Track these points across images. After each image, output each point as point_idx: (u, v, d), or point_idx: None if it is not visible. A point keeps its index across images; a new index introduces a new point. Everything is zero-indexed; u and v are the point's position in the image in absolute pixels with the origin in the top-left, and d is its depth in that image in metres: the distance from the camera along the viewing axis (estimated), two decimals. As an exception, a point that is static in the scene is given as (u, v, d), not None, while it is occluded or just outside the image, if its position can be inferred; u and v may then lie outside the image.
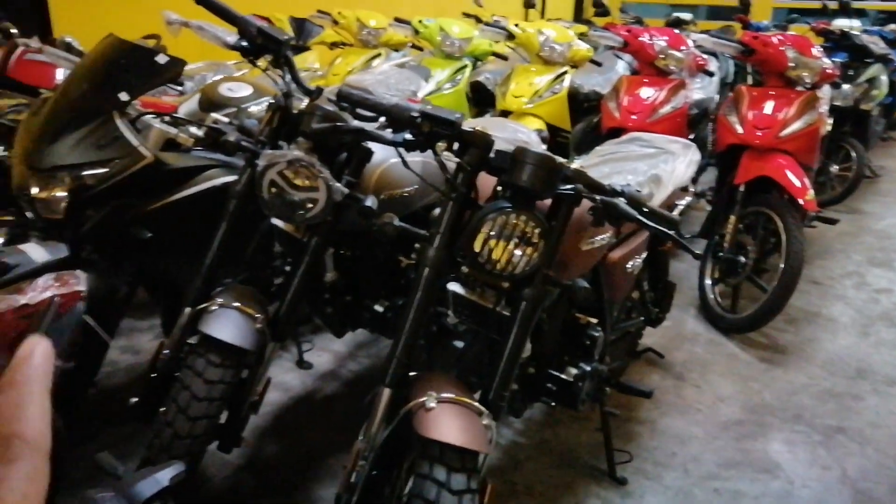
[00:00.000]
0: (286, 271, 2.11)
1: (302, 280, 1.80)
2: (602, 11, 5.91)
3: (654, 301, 2.45)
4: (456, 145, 1.42)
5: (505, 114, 3.81)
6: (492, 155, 1.42)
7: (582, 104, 4.26)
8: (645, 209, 1.49)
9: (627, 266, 2.02)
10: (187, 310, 1.73)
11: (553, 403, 1.91)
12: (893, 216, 4.95)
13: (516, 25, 3.84)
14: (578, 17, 9.74)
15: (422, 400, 1.34)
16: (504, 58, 4.35)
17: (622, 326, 2.23)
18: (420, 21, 4.20)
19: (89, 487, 2.03)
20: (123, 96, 1.84)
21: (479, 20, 5.94)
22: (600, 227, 1.48)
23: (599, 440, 2.19)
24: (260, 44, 1.72)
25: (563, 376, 1.85)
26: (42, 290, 0.86)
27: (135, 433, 2.13)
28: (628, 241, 2.02)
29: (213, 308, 1.66)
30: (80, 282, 0.89)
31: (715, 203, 3.43)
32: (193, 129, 2.05)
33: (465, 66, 4.14)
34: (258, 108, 2.26)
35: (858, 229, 4.62)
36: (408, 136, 1.41)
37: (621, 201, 1.45)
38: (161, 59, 1.89)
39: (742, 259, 3.10)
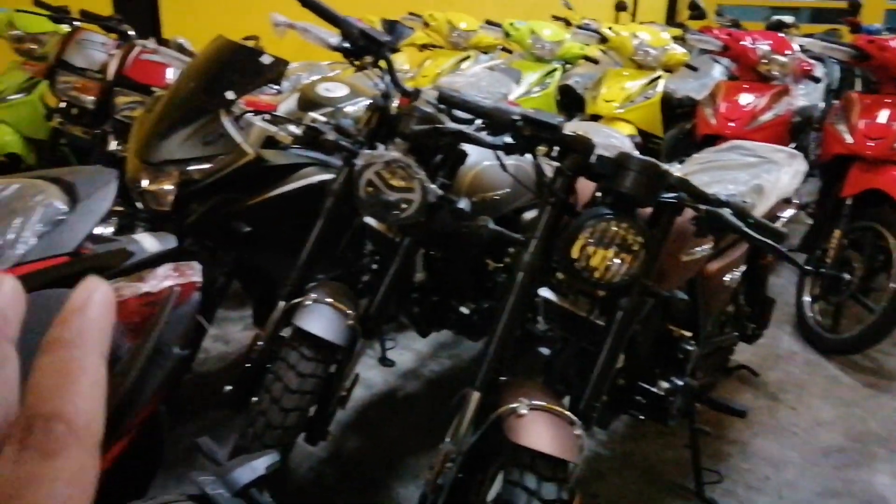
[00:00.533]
0: (374, 269, 2.13)
1: (393, 279, 1.82)
2: (697, 14, 5.70)
3: (750, 316, 2.34)
4: (555, 150, 1.40)
5: (595, 118, 3.74)
6: (592, 160, 1.39)
7: (675, 110, 4.13)
8: (750, 221, 1.42)
9: (725, 279, 1.94)
10: (281, 303, 1.78)
11: (641, 417, 1.86)
12: None
13: (609, 29, 3.77)
14: (671, 20, 9.47)
15: (513, 406, 1.32)
16: (595, 61, 4.27)
17: (715, 341, 2.14)
18: (511, 24, 4.18)
19: (184, 468, 2.11)
20: (229, 95, 1.91)
21: (568, 23, 5.87)
22: (702, 237, 1.43)
23: (686, 457, 2.11)
24: (362, 45, 1.75)
25: (654, 390, 1.79)
26: (162, 279, 0.90)
27: (225, 419, 2.21)
28: (727, 253, 1.93)
29: (308, 303, 1.70)
30: (196, 273, 0.93)
31: (817, 216, 3.25)
32: (292, 128, 2.11)
33: (555, 70, 4.09)
34: (354, 108, 2.30)
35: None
36: (508, 139, 1.40)
37: (726, 212, 1.39)
38: (265, 59, 1.96)
39: (846, 276, 2.92)
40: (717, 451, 2.27)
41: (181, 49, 2.13)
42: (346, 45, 1.77)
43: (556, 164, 1.40)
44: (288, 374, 1.60)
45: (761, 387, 2.68)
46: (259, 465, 1.18)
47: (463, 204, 1.68)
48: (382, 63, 1.81)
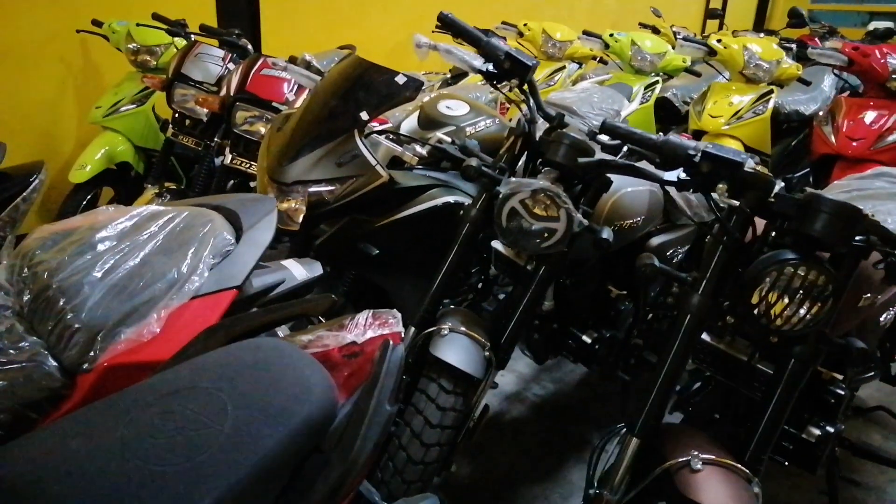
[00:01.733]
0: (500, 296, 2.08)
1: (526, 308, 1.76)
2: (798, 22, 5.47)
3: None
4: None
5: (698, 134, 3.60)
6: (771, 199, 1.30)
7: (781, 125, 3.94)
8: None
9: (881, 319, 1.80)
10: (412, 329, 1.74)
11: (786, 462, 1.75)
12: None
13: (718, 41, 3.62)
14: (759, 26, 9.13)
15: (685, 459, 1.25)
16: (697, 74, 4.12)
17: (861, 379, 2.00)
18: (611, 35, 4.07)
19: None
20: (363, 115, 1.89)
21: (656, 30, 5.71)
22: (891, 284, 1.32)
23: (817, 501, 1.98)
24: (507, 68, 1.70)
25: (803, 436, 1.68)
26: (365, 328, 0.87)
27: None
28: (887, 291, 1.80)
29: (445, 332, 1.65)
30: (398, 322, 0.89)
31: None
32: (417, 148, 2.08)
33: (655, 82, 3.97)
34: (475, 127, 2.26)
35: None
36: (682, 174, 1.32)
37: (916, 256, 1.28)
38: (400, 79, 1.93)
39: None
40: (852, 497, 2.13)
41: (308, 66, 2.13)
42: (490, 67, 1.72)
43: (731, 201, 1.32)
44: (429, 408, 1.56)
45: (892, 427, 2.51)
46: (422, 510, 1.14)
47: (606, 234, 1.61)
48: (523, 87, 1.76)
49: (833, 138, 3.22)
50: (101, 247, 1.17)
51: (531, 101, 1.70)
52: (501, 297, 2.25)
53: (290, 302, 1.09)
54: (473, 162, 1.66)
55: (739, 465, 1.26)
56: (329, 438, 0.79)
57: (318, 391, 0.78)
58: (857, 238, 1.28)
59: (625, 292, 2.11)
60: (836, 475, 1.93)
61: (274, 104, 2.55)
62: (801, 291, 1.24)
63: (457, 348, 1.62)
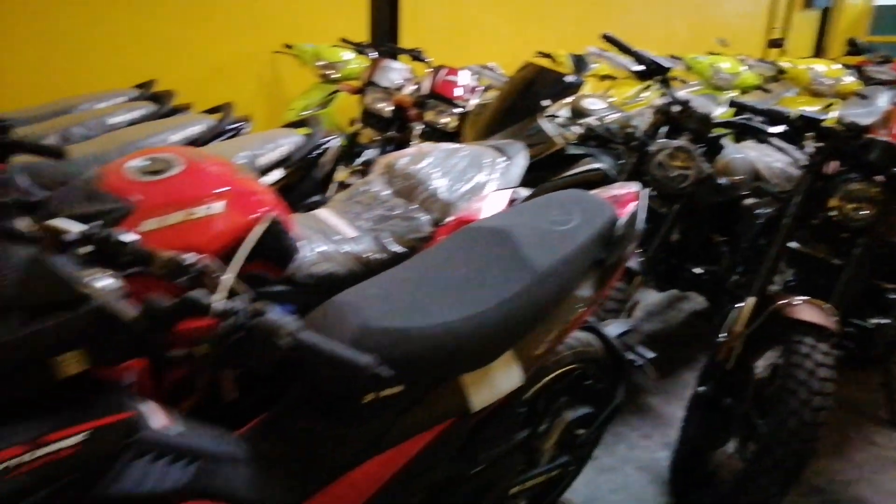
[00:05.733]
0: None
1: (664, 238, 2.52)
2: (855, 51, 6.16)
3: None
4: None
5: (770, 138, 4.33)
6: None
7: (842, 133, 4.63)
8: None
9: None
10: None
11: (851, 346, 2.45)
12: None
13: (787, 63, 4.36)
14: (818, 54, 9.79)
15: (787, 300, 1.97)
16: (767, 90, 4.86)
17: None
18: (693, 58, 4.86)
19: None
20: (545, 102, 2.71)
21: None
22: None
23: (876, 399, 2.64)
24: (652, 69, 2.50)
25: (865, 324, 2.38)
26: (622, 188, 1.66)
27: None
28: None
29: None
30: (639, 187, 1.67)
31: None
32: (574, 129, 2.89)
33: (731, 98, 4.72)
34: (611, 117, 3.06)
35: None
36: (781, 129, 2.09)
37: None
38: (567, 78, 2.75)
39: None
40: (902, 397, 2.80)
41: (488, 71, 2.95)
42: (640, 68, 2.52)
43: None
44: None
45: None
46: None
47: (723, 181, 2.38)
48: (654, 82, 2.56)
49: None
50: (435, 159, 2.00)
51: (670, 89, 2.50)
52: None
53: (575, 172, 1.89)
54: (632, 130, 2.46)
55: (826, 303, 1.98)
56: (616, 232, 1.56)
57: (608, 208, 1.56)
58: (897, 169, 2.02)
59: (725, 238, 2.85)
60: (892, 371, 2.60)
61: (455, 102, 3.40)
62: (861, 199, 1.98)
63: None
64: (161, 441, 0.98)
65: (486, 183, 1.97)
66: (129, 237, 1.10)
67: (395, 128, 3.69)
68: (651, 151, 2.39)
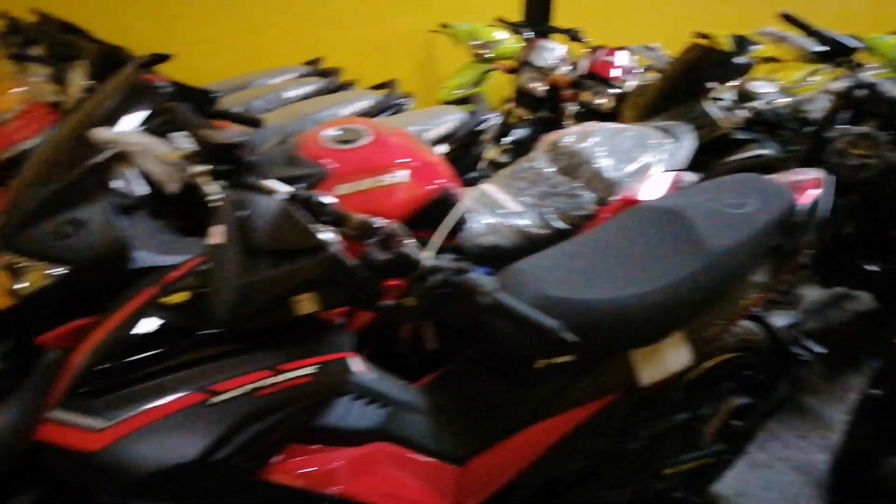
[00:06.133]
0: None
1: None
2: None
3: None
4: None
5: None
6: None
7: None
8: None
9: None
10: None
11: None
12: None
13: None
14: None
15: None
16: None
17: None
18: (874, 38, 4.45)
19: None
20: (710, 85, 2.62)
21: None
22: None
23: None
24: (835, 49, 2.34)
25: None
26: (799, 174, 1.59)
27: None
28: None
29: None
30: (819, 172, 1.60)
31: None
32: (740, 113, 2.77)
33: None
34: (782, 101, 2.89)
35: None
36: None
37: None
38: (737, 59, 2.63)
39: None
40: None
41: (649, 50, 2.91)
42: (821, 50, 2.37)
43: None
44: None
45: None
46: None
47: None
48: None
49: None
50: (601, 138, 2.00)
51: (857, 72, 2.33)
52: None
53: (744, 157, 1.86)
54: (812, 118, 2.32)
55: None
56: (795, 218, 1.50)
57: (787, 194, 1.50)
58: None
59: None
60: None
61: (611, 82, 3.36)
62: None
63: None
64: (362, 384, 1.09)
65: (652, 164, 1.95)
66: (328, 199, 1.21)
67: (548, 108, 3.71)
68: (829, 138, 2.25)
